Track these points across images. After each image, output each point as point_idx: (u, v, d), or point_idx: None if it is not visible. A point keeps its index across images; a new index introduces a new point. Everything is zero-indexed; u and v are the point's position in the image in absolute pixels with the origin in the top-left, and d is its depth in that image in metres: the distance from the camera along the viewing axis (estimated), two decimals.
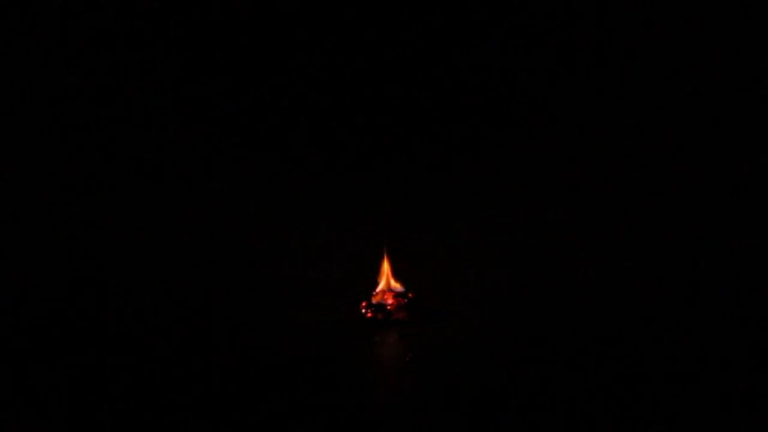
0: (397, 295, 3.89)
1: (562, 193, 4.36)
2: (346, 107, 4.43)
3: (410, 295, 3.89)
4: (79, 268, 4.18)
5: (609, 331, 3.61)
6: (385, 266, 3.94)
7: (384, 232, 4.33)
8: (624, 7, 4.14)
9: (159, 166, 4.37)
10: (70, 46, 4.15)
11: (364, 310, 3.85)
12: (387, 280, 3.94)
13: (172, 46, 4.28)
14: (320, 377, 3.18)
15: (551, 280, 4.21)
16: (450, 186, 4.49)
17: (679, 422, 2.62)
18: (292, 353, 3.46)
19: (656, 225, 4.24)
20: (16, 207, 4.08)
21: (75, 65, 4.21)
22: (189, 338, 3.67)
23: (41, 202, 4.17)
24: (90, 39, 4.19)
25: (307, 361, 3.35)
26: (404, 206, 4.48)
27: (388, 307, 3.84)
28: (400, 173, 4.47)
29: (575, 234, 4.30)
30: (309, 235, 4.49)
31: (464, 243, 4.50)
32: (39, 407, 2.87)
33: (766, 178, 4.04)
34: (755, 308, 3.68)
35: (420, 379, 3.18)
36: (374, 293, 3.94)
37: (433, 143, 4.43)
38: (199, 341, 3.63)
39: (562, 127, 4.38)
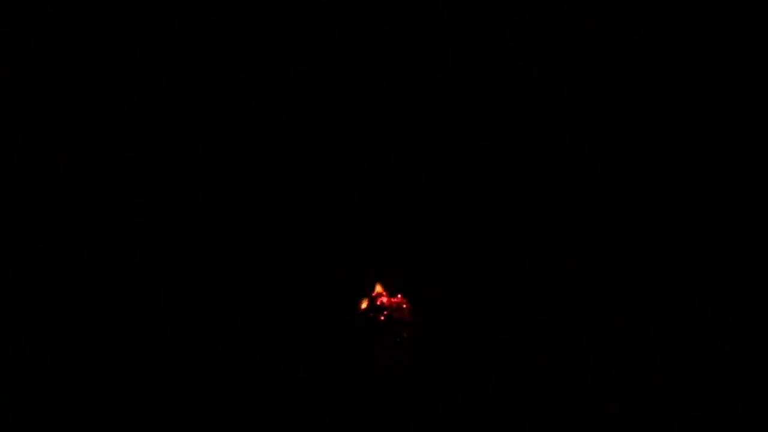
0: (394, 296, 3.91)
1: (559, 195, 4.36)
2: (346, 108, 4.43)
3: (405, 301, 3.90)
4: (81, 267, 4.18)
5: (607, 332, 3.62)
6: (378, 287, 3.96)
7: (383, 233, 4.33)
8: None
9: (156, 166, 4.36)
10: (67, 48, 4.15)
11: (363, 310, 3.87)
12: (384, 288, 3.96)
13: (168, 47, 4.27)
14: (321, 376, 3.19)
15: (549, 281, 4.21)
16: (448, 187, 4.49)
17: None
18: (293, 353, 3.46)
19: (654, 226, 4.24)
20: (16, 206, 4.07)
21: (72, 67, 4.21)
22: (187, 338, 3.67)
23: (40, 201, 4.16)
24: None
25: (308, 361, 3.36)
26: (403, 206, 4.47)
27: (386, 307, 3.85)
28: (399, 173, 4.46)
29: (572, 235, 4.30)
30: (308, 235, 4.48)
31: (463, 243, 4.49)
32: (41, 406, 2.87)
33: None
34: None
35: (419, 377, 3.19)
36: (374, 294, 3.95)
37: (430, 144, 4.42)
38: (199, 341, 3.63)
39: (559, 128, 4.37)
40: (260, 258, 4.33)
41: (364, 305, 3.93)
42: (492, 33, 4.33)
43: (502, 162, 4.39)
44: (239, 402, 2.88)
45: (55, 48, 4.14)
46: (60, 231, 4.10)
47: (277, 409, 2.84)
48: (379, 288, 3.98)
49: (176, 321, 3.89)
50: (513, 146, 4.42)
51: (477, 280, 4.29)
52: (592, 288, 4.08)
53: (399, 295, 3.97)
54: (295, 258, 4.35)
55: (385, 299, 3.93)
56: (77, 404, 2.94)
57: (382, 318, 3.86)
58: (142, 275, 4.16)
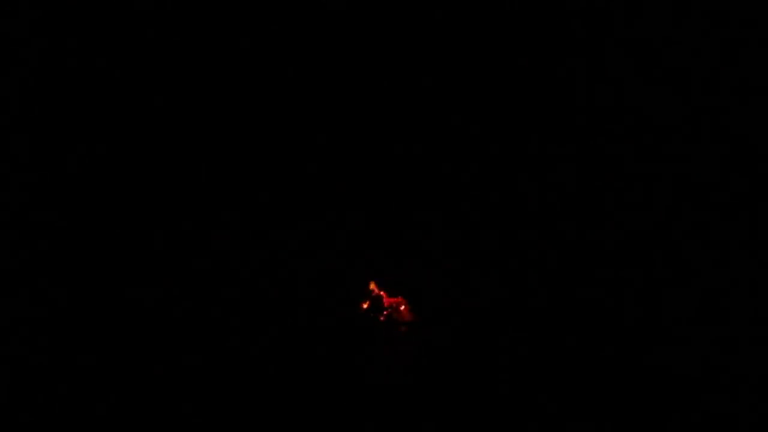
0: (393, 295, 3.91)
1: (558, 194, 4.35)
2: (347, 106, 4.43)
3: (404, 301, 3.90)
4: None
5: (609, 330, 3.62)
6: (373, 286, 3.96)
7: (382, 232, 4.33)
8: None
9: (157, 164, 4.36)
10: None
11: (364, 311, 3.86)
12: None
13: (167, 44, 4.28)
14: (323, 376, 3.19)
15: (548, 281, 4.21)
16: (448, 186, 4.48)
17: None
18: (294, 353, 3.46)
19: (651, 226, 4.23)
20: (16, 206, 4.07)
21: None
22: (186, 337, 3.67)
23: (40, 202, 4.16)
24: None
25: (309, 361, 3.35)
26: (402, 206, 4.47)
27: (385, 307, 3.85)
28: (398, 171, 4.46)
29: (573, 235, 4.30)
30: (307, 234, 4.48)
31: (461, 243, 4.49)
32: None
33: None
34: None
35: (421, 377, 3.18)
36: (374, 294, 3.95)
37: (431, 141, 4.42)
38: (201, 341, 3.63)
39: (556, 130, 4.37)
40: (259, 257, 4.34)
41: (365, 306, 3.93)
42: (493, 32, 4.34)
43: (501, 162, 4.39)
44: (239, 401, 2.87)
45: (52, 47, 4.15)
46: (58, 230, 4.11)
47: (277, 409, 2.84)
48: (372, 286, 3.97)
49: (175, 320, 3.89)
50: (512, 146, 4.42)
51: (475, 280, 4.29)
52: (592, 287, 4.08)
53: (399, 296, 3.97)
54: (294, 258, 4.36)
55: (384, 299, 3.93)
56: (77, 404, 2.94)
57: (383, 318, 3.86)
58: (138, 274, 4.16)
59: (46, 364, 3.45)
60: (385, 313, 3.87)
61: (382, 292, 3.92)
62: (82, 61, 4.24)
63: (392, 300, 3.89)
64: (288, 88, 4.41)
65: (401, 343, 3.67)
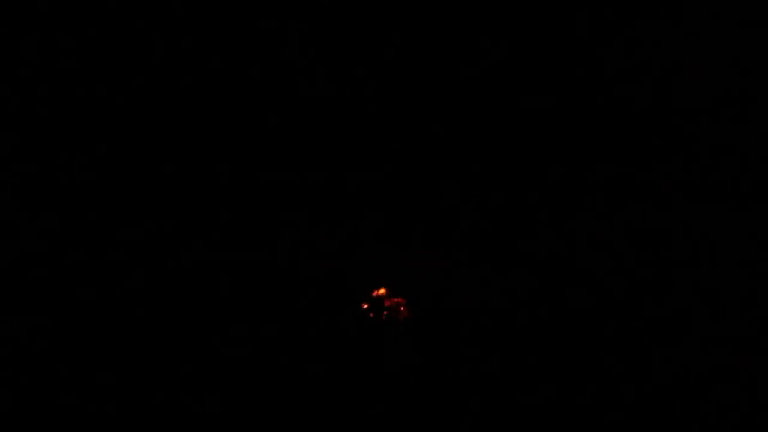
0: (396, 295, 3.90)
1: (558, 194, 4.35)
2: (349, 107, 4.43)
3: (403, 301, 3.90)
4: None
5: (608, 330, 3.62)
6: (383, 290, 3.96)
7: (381, 232, 4.32)
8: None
9: (158, 162, 4.35)
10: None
11: (365, 310, 3.86)
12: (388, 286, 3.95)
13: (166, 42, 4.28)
14: (322, 376, 3.18)
15: (549, 281, 4.20)
16: (448, 186, 4.48)
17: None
18: (293, 353, 3.46)
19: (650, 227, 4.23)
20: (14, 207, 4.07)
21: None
22: (187, 337, 3.66)
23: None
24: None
25: (308, 361, 3.35)
26: (402, 205, 4.47)
27: (387, 306, 3.84)
28: (398, 171, 4.46)
29: (574, 234, 4.29)
30: (307, 233, 4.47)
31: (462, 242, 4.48)
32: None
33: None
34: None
35: (421, 377, 3.18)
36: (375, 293, 3.94)
37: (434, 141, 4.42)
38: (199, 340, 3.63)
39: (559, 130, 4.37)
40: (258, 257, 4.33)
41: (365, 306, 3.93)
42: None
43: (501, 162, 4.39)
44: (240, 400, 2.87)
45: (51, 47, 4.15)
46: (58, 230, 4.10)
47: (279, 408, 2.84)
48: (383, 290, 3.98)
49: (175, 320, 3.89)
50: (512, 146, 4.42)
51: (477, 281, 4.28)
52: (593, 287, 4.08)
53: (399, 296, 3.97)
54: (293, 258, 4.35)
55: (385, 299, 3.93)
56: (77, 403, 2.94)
57: (383, 318, 3.86)
58: (142, 274, 4.15)
59: (46, 364, 3.44)
60: (384, 313, 3.86)
61: (385, 293, 3.92)
62: (81, 61, 4.24)
63: (392, 300, 3.89)
64: (286, 88, 4.42)
65: (400, 343, 3.67)
